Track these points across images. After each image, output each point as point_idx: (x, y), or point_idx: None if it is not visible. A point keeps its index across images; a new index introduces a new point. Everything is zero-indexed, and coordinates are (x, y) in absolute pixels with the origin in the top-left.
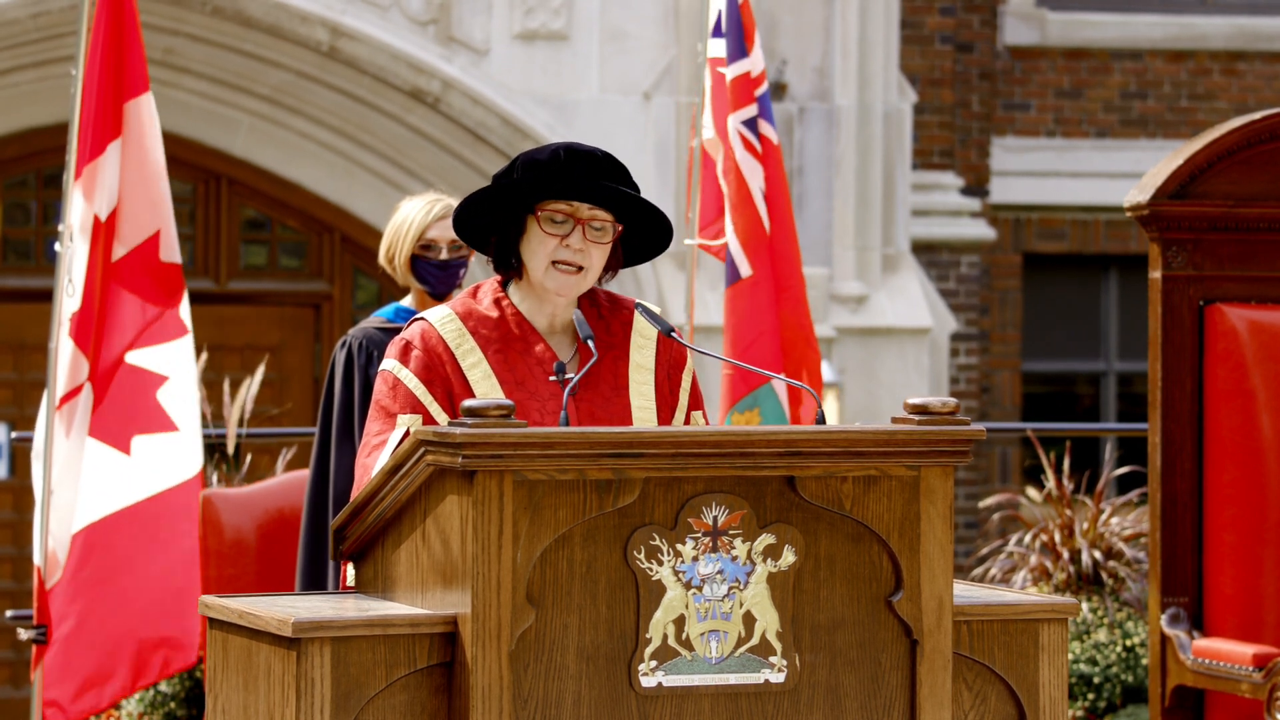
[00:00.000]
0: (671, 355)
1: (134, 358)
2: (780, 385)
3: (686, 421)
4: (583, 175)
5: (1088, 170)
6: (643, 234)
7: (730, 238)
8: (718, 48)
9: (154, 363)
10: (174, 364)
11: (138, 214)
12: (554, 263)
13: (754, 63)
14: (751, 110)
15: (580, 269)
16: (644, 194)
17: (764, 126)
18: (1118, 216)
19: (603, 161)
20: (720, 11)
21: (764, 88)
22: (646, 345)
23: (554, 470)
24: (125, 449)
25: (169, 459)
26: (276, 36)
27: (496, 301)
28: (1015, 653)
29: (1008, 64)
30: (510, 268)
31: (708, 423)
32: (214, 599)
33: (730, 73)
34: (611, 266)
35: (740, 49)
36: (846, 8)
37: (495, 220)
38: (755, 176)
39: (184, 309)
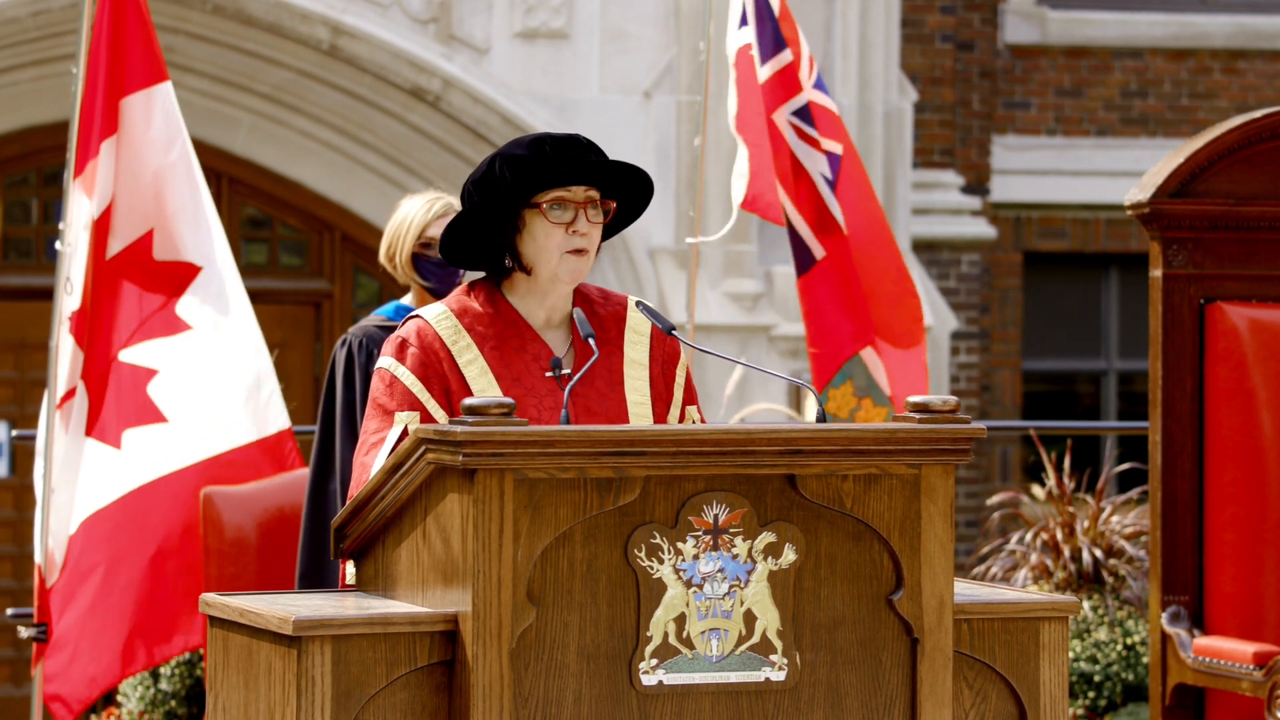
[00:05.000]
0: (665, 351)
1: (126, 355)
2: (869, 356)
3: (682, 417)
4: (573, 159)
5: (1088, 169)
6: (624, 200)
7: (801, 225)
8: (745, 36)
9: (145, 358)
10: (167, 358)
11: (132, 211)
12: (565, 252)
13: (803, 50)
14: (800, 100)
15: (586, 251)
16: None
17: (824, 100)
18: (1118, 215)
19: (583, 143)
20: (745, 6)
21: (814, 74)
22: (640, 341)
23: (555, 469)
24: (116, 444)
25: (159, 449)
26: (277, 35)
27: (491, 298)
28: (1016, 651)
29: (1008, 62)
30: (504, 270)
31: (702, 417)
32: (215, 597)
33: (768, 70)
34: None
35: (777, 42)
36: (847, 7)
37: (484, 226)
38: (814, 162)
39: (186, 305)
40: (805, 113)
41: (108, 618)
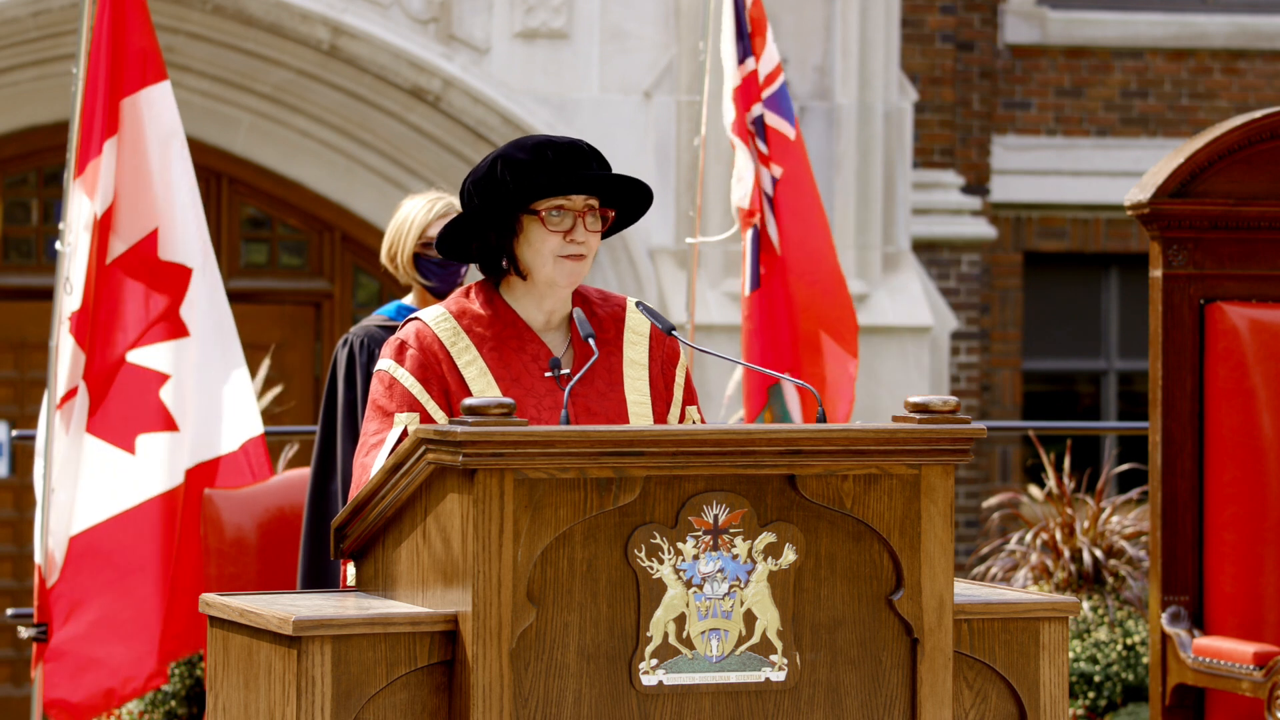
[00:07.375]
0: (665, 351)
1: (135, 356)
2: (789, 389)
3: (682, 417)
4: (575, 168)
5: (1088, 169)
6: (623, 208)
7: (750, 242)
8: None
9: (156, 361)
10: (175, 363)
11: (135, 211)
12: (559, 257)
13: (763, 62)
14: (757, 110)
15: (583, 257)
16: None
17: (774, 122)
18: (1118, 215)
19: (585, 151)
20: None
21: (775, 86)
22: (640, 341)
23: (555, 469)
24: (130, 448)
25: (172, 458)
26: (277, 35)
27: (490, 300)
28: (1016, 651)
29: (1008, 62)
30: (500, 271)
31: (702, 418)
32: (215, 597)
33: (739, 75)
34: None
35: (746, 49)
36: (847, 7)
37: (482, 227)
38: (764, 179)
39: (187, 308)
40: (760, 126)
41: (119, 628)
